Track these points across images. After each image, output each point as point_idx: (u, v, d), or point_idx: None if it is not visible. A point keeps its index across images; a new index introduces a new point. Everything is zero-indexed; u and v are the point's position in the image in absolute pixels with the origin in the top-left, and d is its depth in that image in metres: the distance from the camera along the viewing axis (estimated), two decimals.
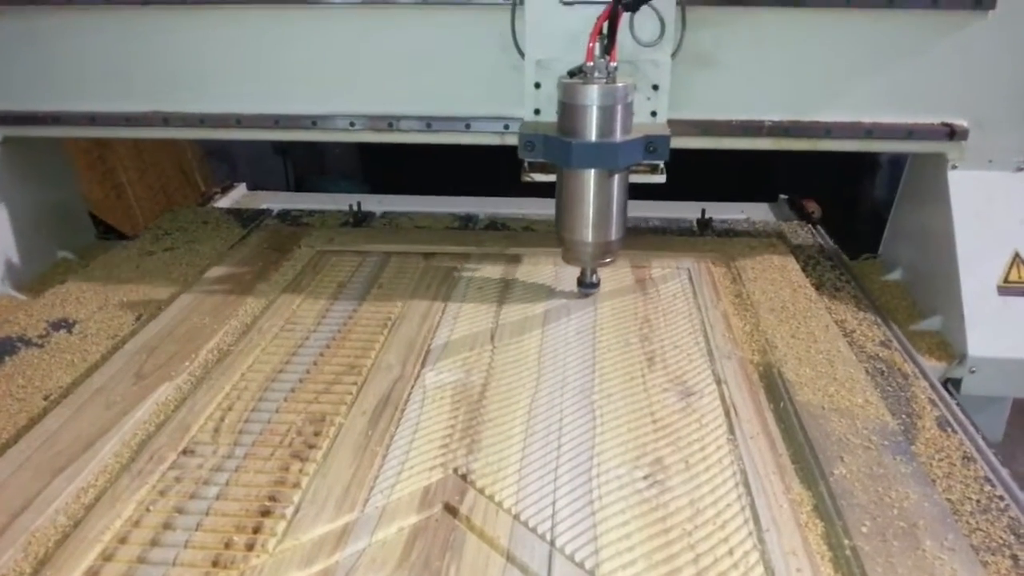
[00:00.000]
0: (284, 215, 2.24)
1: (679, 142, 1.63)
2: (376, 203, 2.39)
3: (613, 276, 1.69)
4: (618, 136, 1.39)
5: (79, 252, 2.09)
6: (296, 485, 1.05)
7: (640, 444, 1.14)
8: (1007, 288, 1.59)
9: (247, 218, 2.18)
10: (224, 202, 2.64)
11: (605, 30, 1.36)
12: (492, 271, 1.73)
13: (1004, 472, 1.18)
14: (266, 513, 1.00)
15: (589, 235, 1.48)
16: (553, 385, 1.29)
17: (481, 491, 1.04)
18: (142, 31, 1.76)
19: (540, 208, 2.32)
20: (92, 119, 1.84)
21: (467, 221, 2.18)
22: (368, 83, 1.77)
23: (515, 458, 1.10)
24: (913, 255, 1.89)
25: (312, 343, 1.43)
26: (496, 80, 1.72)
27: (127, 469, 1.09)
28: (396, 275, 1.71)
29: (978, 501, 1.11)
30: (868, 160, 3.98)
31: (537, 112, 1.60)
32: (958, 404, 1.39)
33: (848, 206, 3.91)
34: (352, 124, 1.80)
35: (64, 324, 1.59)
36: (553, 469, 1.08)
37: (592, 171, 1.42)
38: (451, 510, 1.01)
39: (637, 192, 2.25)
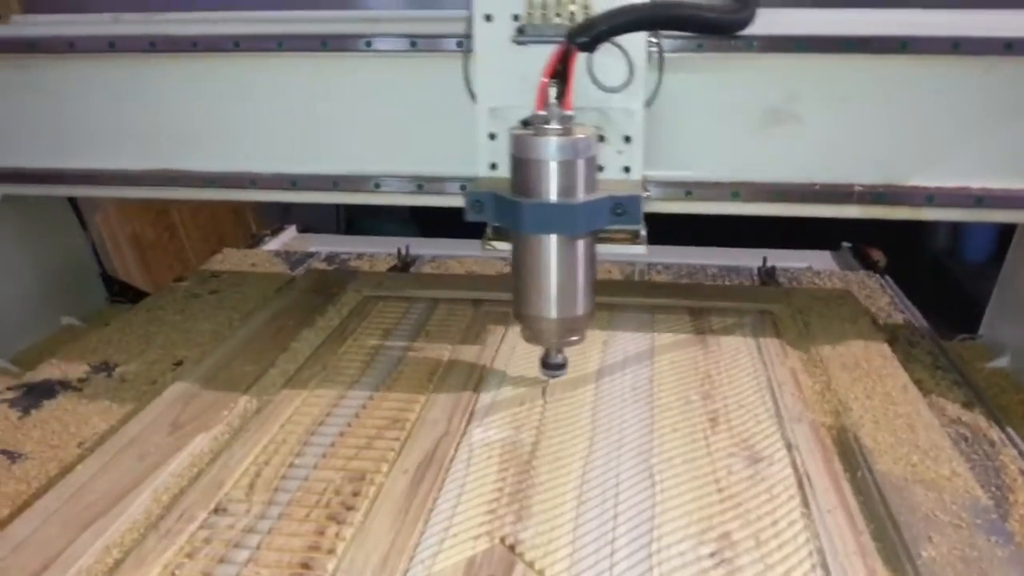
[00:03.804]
0: (331, 258, 2.20)
1: (747, 208, 1.51)
2: (425, 247, 2.35)
3: (671, 327, 1.60)
4: (580, 196, 1.18)
5: (86, 318, 1.97)
6: (331, 551, 0.97)
7: (705, 516, 1.04)
8: None
9: (295, 261, 2.15)
10: (273, 244, 2.63)
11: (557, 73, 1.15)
12: None
13: None
14: None
15: (552, 311, 1.25)
16: (609, 446, 1.20)
17: (531, 565, 0.95)
18: (148, 80, 1.62)
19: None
20: (94, 177, 1.69)
21: None
22: (396, 140, 1.59)
23: (567, 528, 1.02)
24: None
25: (355, 394, 1.36)
26: None
27: (155, 527, 1.03)
28: (443, 323, 1.64)
29: None
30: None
31: (494, 167, 1.39)
32: None
33: (908, 254, 3.78)
34: (377, 186, 1.61)
35: (105, 367, 1.56)
36: (609, 542, 0.99)
37: (553, 237, 1.20)
38: None
39: (691, 238, 2.16)
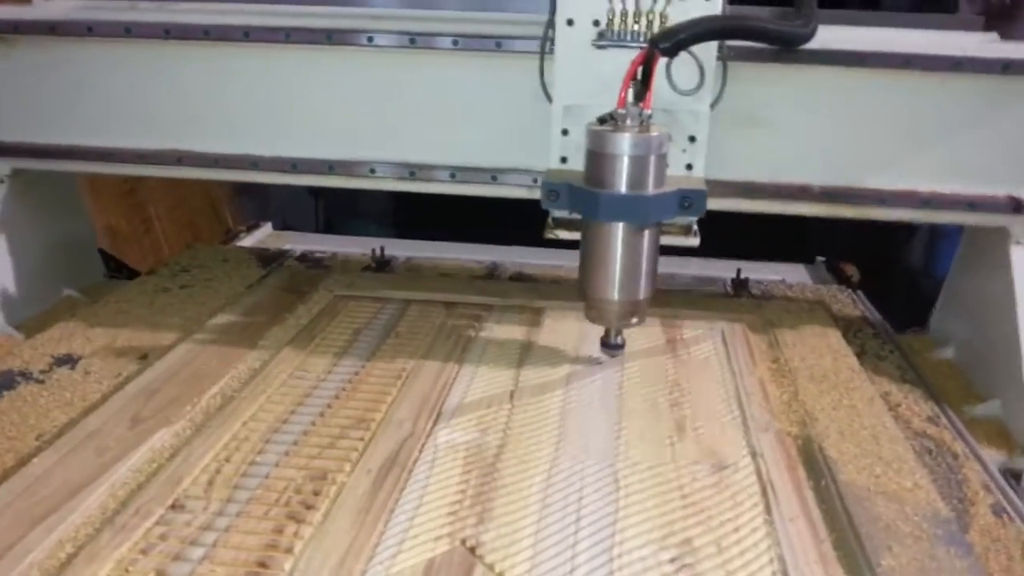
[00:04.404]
0: (305, 257, 2.18)
1: (717, 204, 1.54)
2: (400, 248, 2.33)
3: (642, 335, 1.60)
4: (650, 189, 1.28)
5: (86, 291, 2.01)
6: (289, 550, 0.96)
7: (667, 521, 1.04)
8: None
9: (268, 258, 2.13)
10: (248, 241, 2.59)
11: (639, 75, 1.26)
12: (515, 324, 1.65)
13: None
14: None
15: (615, 294, 1.36)
16: (575, 450, 1.20)
17: (491, 567, 0.95)
18: (161, 65, 1.70)
19: (569, 260, 2.24)
20: (105, 155, 1.78)
21: (492, 270, 2.11)
22: (392, 129, 1.69)
23: (529, 531, 1.01)
24: (969, 332, 1.76)
25: (320, 393, 1.35)
26: (526, 131, 1.60)
27: (110, 523, 1.01)
28: (414, 324, 1.63)
29: None
30: (906, 225, 3.88)
31: (564, 160, 1.50)
32: (1013, 488, 1.28)
33: (884, 269, 3.81)
34: (372, 171, 1.72)
35: (68, 360, 1.53)
36: (571, 546, 0.98)
37: (620, 225, 1.31)
38: None
39: (665, 248, 2.16)
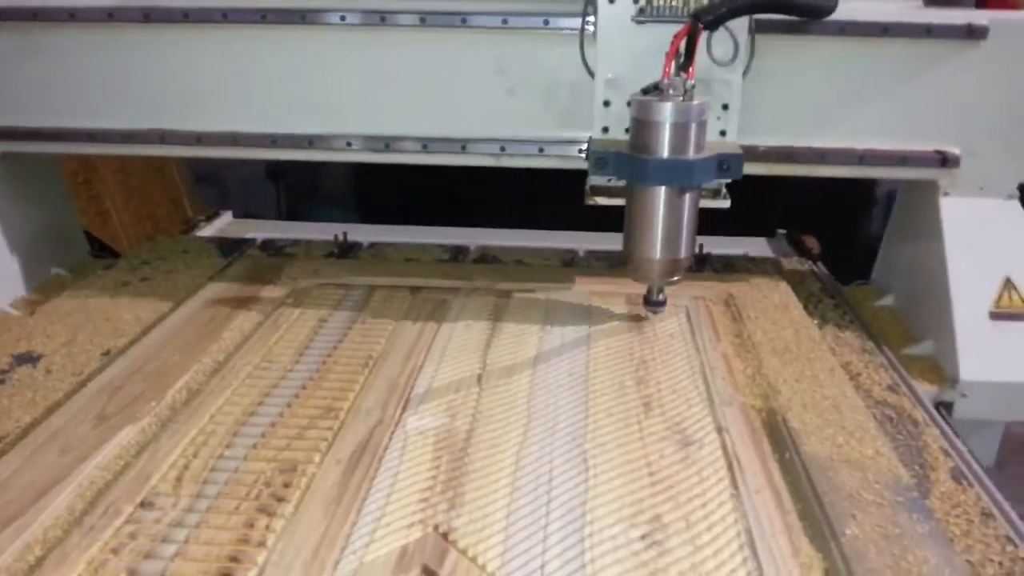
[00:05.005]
0: (267, 245, 2.16)
1: None
2: (363, 233, 2.32)
3: (607, 314, 1.61)
4: (691, 154, 1.38)
5: (72, 269, 2.06)
6: (261, 544, 0.96)
7: (636, 499, 1.05)
8: (999, 313, 1.60)
9: (229, 247, 2.10)
10: (208, 230, 2.56)
11: (683, 47, 1.36)
12: (481, 307, 1.65)
13: None
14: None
15: (657, 253, 1.45)
16: (543, 432, 1.21)
17: (463, 552, 0.95)
18: (142, 48, 1.75)
19: (531, 240, 2.25)
20: (91, 135, 1.83)
21: (457, 253, 2.11)
22: (365, 103, 1.76)
23: (501, 514, 1.02)
24: (905, 281, 1.89)
25: (287, 383, 1.34)
26: (492, 102, 1.72)
27: (79, 523, 1.01)
28: (380, 310, 1.63)
29: (1000, 563, 1.03)
30: (864, 195, 3.93)
31: (605, 130, 1.60)
32: (971, 452, 1.31)
33: (845, 242, 3.86)
34: (349, 144, 1.78)
35: (29, 358, 1.51)
36: (543, 527, 0.99)
37: (663, 189, 1.41)
38: (430, 574, 0.92)
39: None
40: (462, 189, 3.57)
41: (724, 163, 1.40)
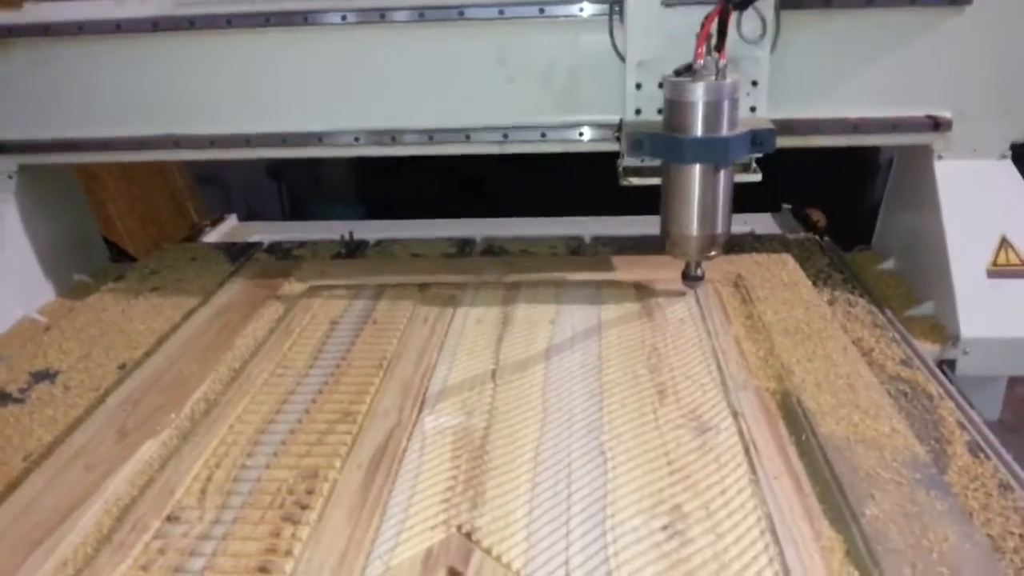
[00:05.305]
0: (274, 248, 2.17)
1: None
2: (369, 230, 2.32)
3: (617, 301, 1.62)
4: (725, 131, 1.40)
5: (94, 275, 2.13)
6: (288, 553, 0.97)
7: (656, 490, 1.06)
8: (996, 271, 1.64)
9: (236, 252, 2.11)
10: (214, 235, 2.57)
11: (713, 29, 1.37)
12: (491, 301, 1.66)
13: None
14: None
15: (695, 229, 1.47)
16: (560, 425, 1.21)
17: (488, 551, 0.96)
18: (152, 57, 1.80)
19: (536, 229, 2.25)
20: (106, 144, 1.88)
21: (463, 246, 2.11)
22: (370, 99, 1.80)
23: (522, 511, 1.03)
24: (905, 244, 1.93)
25: (304, 389, 1.35)
26: (493, 91, 1.76)
27: (108, 541, 1.02)
28: (390, 310, 1.64)
29: (1021, 536, 1.04)
30: (867, 163, 3.91)
31: (638, 112, 1.63)
32: (985, 422, 1.32)
33: (849, 210, 3.86)
34: (357, 139, 1.82)
35: (46, 375, 1.53)
36: (564, 523, 1.00)
37: (698, 166, 1.43)
38: (455, 575, 0.93)
39: (633, 207, 2.19)
40: (464, 179, 3.57)
41: (757, 138, 1.43)
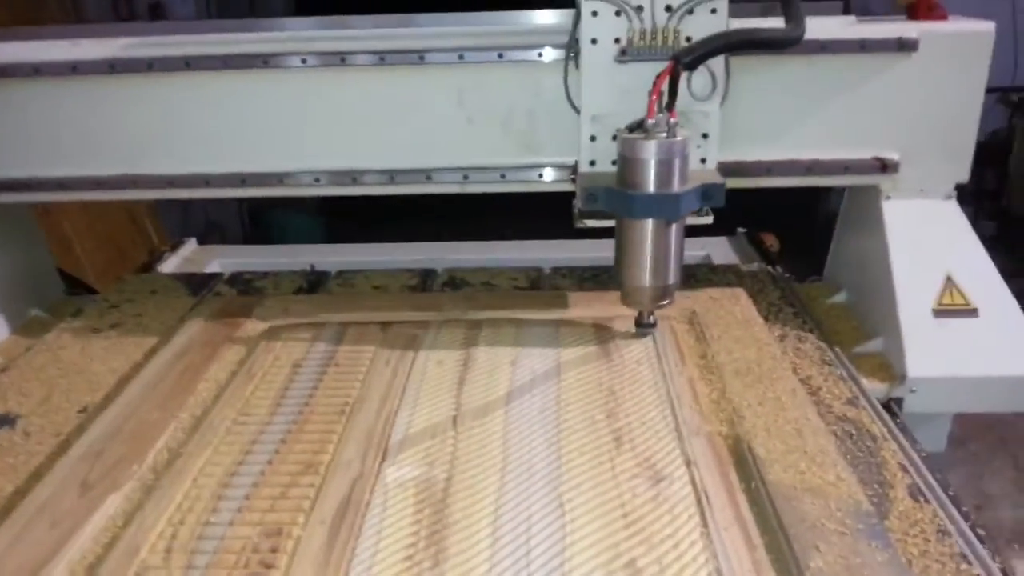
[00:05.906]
0: (235, 279, 2.17)
1: None
2: (331, 254, 2.35)
3: (575, 340, 1.66)
4: (676, 187, 1.45)
5: (50, 309, 2.12)
6: None
7: (612, 543, 1.10)
8: (941, 310, 1.69)
9: (197, 284, 2.12)
10: (174, 260, 2.57)
11: (664, 88, 1.42)
12: (452, 341, 1.68)
13: (980, 547, 1.17)
14: None
15: (647, 280, 1.54)
16: (519, 476, 1.25)
17: None
18: (109, 98, 1.79)
19: (497, 252, 2.30)
20: (62, 184, 1.87)
21: (425, 278, 2.14)
22: (331, 140, 1.81)
23: (483, 568, 1.06)
24: (855, 279, 1.99)
25: (267, 438, 1.37)
26: (453, 133, 1.78)
27: None
28: (353, 351, 1.65)
29: None
30: (819, 190, 4.02)
31: (592, 163, 1.67)
32: (923, 457, 1.38)
33: (804, 232, 3.95)
34: (317, 180, 1.83)
35: (6, 420, 1.52)
36: None
37: (650, 220, 1.49)
38: None
39: (592, 232, 2.23)
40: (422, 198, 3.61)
41: (708, 192, 1.49)
